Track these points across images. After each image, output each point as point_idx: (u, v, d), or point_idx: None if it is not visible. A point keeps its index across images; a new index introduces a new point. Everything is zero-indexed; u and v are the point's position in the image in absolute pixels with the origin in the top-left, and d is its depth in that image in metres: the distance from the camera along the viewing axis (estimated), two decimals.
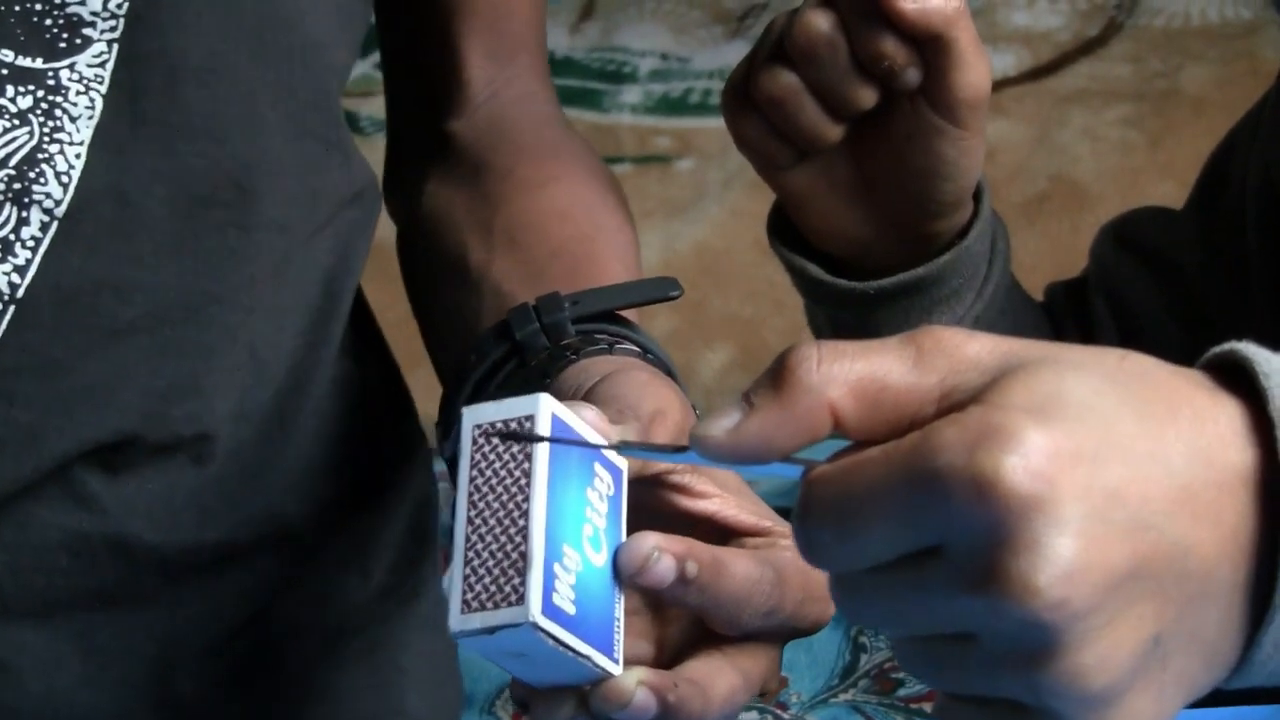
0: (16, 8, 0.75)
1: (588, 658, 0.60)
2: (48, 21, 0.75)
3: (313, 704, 0.88)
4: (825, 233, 0.84)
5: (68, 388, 0.76)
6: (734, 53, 2.10)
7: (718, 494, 0.67)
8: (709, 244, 1.92)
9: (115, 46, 0.76)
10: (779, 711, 1.09)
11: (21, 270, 0.75)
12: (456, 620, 0.59)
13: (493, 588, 0.59)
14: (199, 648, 0.84)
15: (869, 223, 0.83)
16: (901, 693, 1.09)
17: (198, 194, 0.78)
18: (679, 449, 0.57)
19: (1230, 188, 0.98)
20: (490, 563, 0.59)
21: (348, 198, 0.86)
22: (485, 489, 0.60)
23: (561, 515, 0.60)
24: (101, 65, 0.76)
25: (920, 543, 0.50)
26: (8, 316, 0.75)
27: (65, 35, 0.75)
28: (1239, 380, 0.53)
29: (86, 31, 0.76)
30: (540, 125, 0.94)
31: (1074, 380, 0.50)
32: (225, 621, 0.85)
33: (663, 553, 0.62)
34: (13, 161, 0.75)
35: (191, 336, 0.79)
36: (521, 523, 0.59)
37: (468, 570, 0.59)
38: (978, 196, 0.85)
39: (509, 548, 0.59)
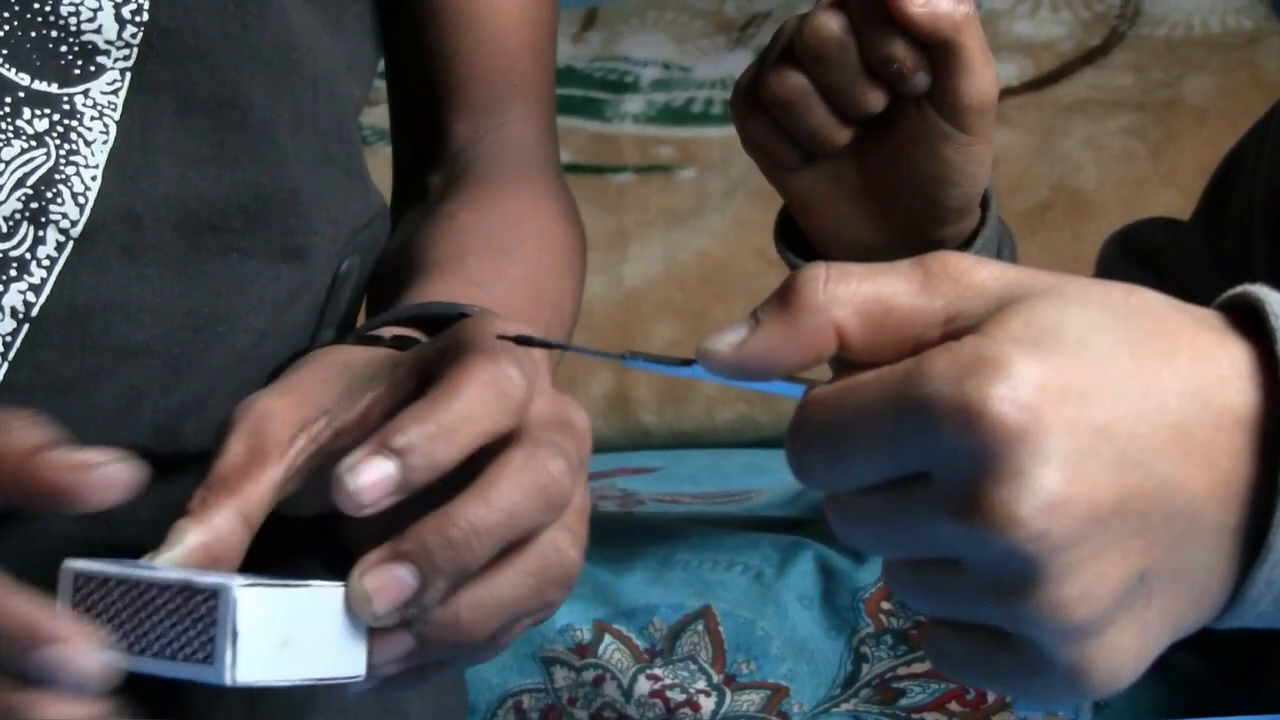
0: (33, 33, 0.76)
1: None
2: (63, 48, 0.76)
3: (317, 712, 0.88)
4: (831, 238, 0.85)
5: (79, 407, 0.77)
6: (736, 62, 2.10)
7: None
8: (711, 253, 1.92)
9: (128, 75, 0.77)
10: None
11: (36, 289, 0.76)
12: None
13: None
14: None
15: (875, 228, 0.83)
16: (903, 702, 1.09)
17: (206, 219, 0.79)
18: (685, 362, 0.57)
19: (1237, 199, 0.98)
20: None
21: (363, 224, 0.87)
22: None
23: None
24: (115, 93, 0.77)
25: (907, 468, 0.51)
26: (21, 335, 0.76)
27: (80, 62, 0.76)
28: (1250, 321, 0.53)
29: (100, 60, 0.77)
30: (499, 163, 0.94)
31: (1075, 314, 0.51)
32: None
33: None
34: (30, 181, 0.76)
35: (201, 358, 0.80)
36: None
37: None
38: (985, 204, 0.85)
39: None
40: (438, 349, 0.63)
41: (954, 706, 1.08)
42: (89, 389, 0.77)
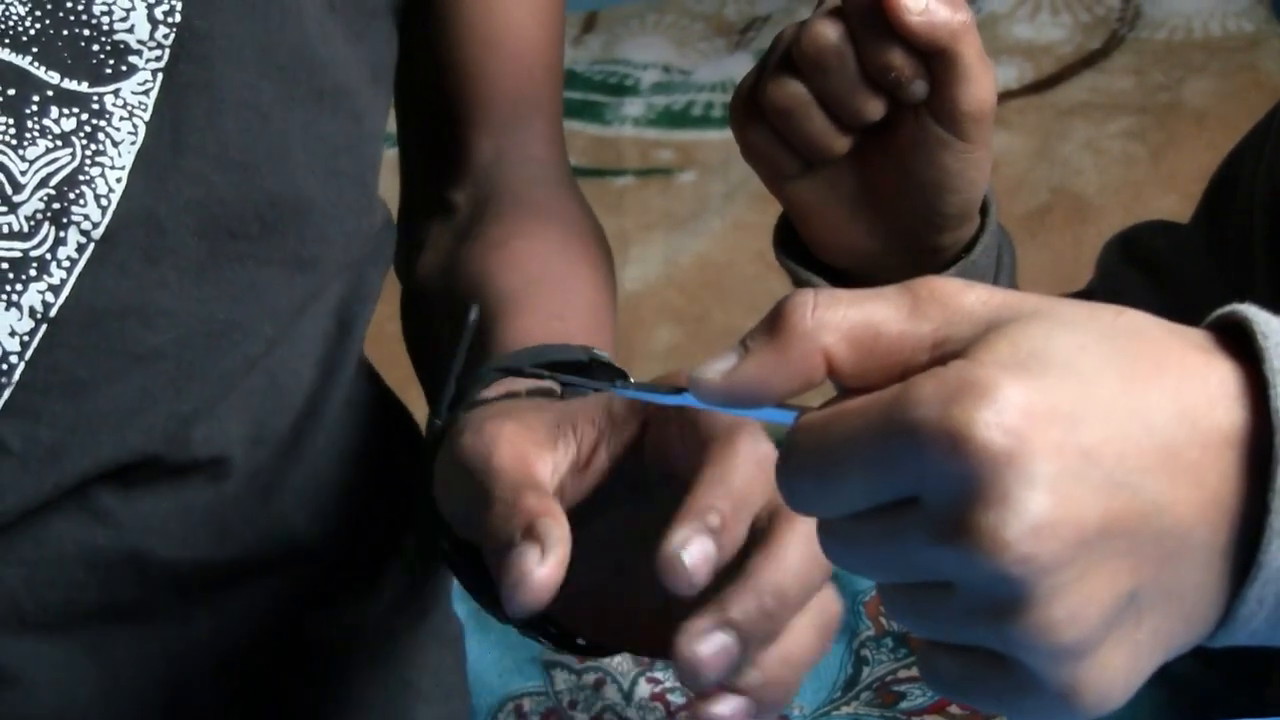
0: (65, 32, 0.76)
1: None
2: (94, 47, 0.76)
3: (323, 718, 0.88)
4: (831, 245, 0.85)
5: (92, 408, 0.77)
6: (736, 65, 2.10)
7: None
8: (711, 257, 1.93)
9: (160, 76, 0.77)
10: None
11: (56, 290, 0.76)
12: None
13: None
14: (212, 663, 0.84)
15: (874, 235, 0.83)
16: (904, 706, 1.09)
17: (225, 225, 0.80)
18: (676, 390, 0.57)
19: (1237, 201, 0.98)
20: None
21: (371, 236, 0.88)
22: None
23: None
24: (146, 93, 0.77)
25: (896, 493, 0.51)
26: (39, 335, 0.76)
27: (111, 62, 0.77)
28: (1239, 341, 0.53)
29: (132, 59, 0.77)
30: (529, 186, 0.94)
31: (1061, 337, 0.51)
32: (238, 637, 0.85)
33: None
34: (53, 182, 0.76)
35: (213, 363, 0.80)
36: None
37: None
38: (984, 210, 0.85)
39: None
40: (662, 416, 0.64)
41: (954, 710, 1.08)
42: (103, 391, 0.77)
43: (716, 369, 0.54)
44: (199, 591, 0.83)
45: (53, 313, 0.76)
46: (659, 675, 1.12)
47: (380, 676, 0.91)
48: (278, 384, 0.83)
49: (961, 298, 0.52)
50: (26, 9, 0.76)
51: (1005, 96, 2.02)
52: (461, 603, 1.15)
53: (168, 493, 0.81)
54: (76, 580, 0.80)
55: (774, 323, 0.53)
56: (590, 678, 1.13)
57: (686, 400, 0.56)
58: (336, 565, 0.89)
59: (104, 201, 0.77)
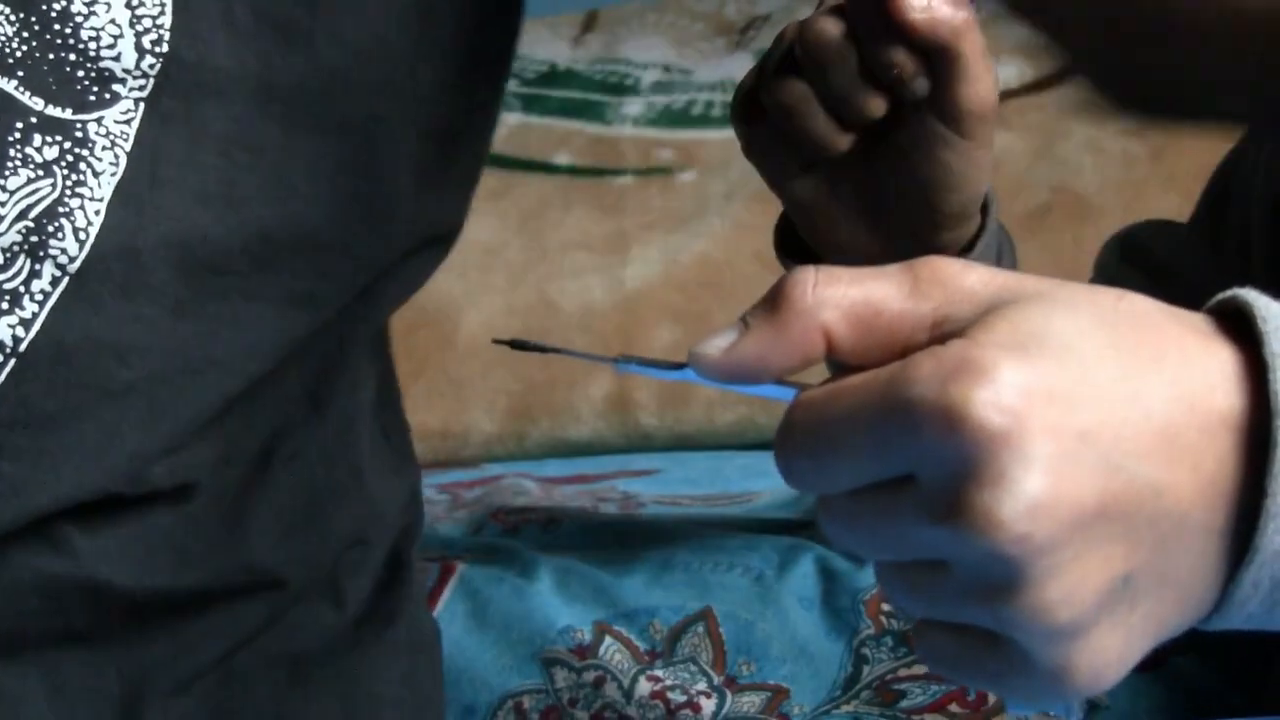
0: (51, 56, 0.74)
1: None
2: (79, 73, 0.74)
3: None
4: (831, 244, 0.85)
5: (57, 445, 0.75)
6: (736, 65, 2.10)
7: None
8: (711, 256, 1.92)
9: (142, 106, 0.76)
10: None
11: (27, 324, 0.74)
12: None
13: None
14: (168, 685, 0.82)
15: (875, 234, 0.84)
16: (904, 704, 1.09)
17: (208, 261, 0.77)
18: (677, 366, 0.57)
19: (1235, 200, 0.98)
20: None
21: (388, 260, 0.84)
22: None
23: None
24: (128, 123, 0.75)
25: (893, 471, 0.51)
26: (7, 369, 0.74)
27: (95, 89, 0.75)
28: (1239, 326, 0.53)
29: (116, 88, 0.75)
30: None
31: (1061, 319, 0.51)
32: (196, 659, 0.83)
33: None
34: (32, 214, 0.74)
35: (187, 399, 0.77)
36: None
37: None
38: (984, 209, 0.86)
39: None
40: None
41: (954, 708, 1.08)
42: (70, 427, 0.75)
43: (716, 345, 0.54)
44: (157, 617, 0.81)
45: (22, 347, 0.74)
46: (659, 673, 1.12)
47: (342, 689, 0.88)
48: (255, 414, 0.81)
49: (963, 278, 0.53)
50: (14, 29, 0.74)
51: (1005, 95, 2.01)
52: (458, 602, 1.15)
53: (129, 520, 0.79)
54: (30, 607, 0.77)
55: (774, 299, 0.53)
56: (590, 676, 1.13)
57: (687, 375, 0.56)
58: (300, 585, 0.87)
59: (82, 235, 0.75)
